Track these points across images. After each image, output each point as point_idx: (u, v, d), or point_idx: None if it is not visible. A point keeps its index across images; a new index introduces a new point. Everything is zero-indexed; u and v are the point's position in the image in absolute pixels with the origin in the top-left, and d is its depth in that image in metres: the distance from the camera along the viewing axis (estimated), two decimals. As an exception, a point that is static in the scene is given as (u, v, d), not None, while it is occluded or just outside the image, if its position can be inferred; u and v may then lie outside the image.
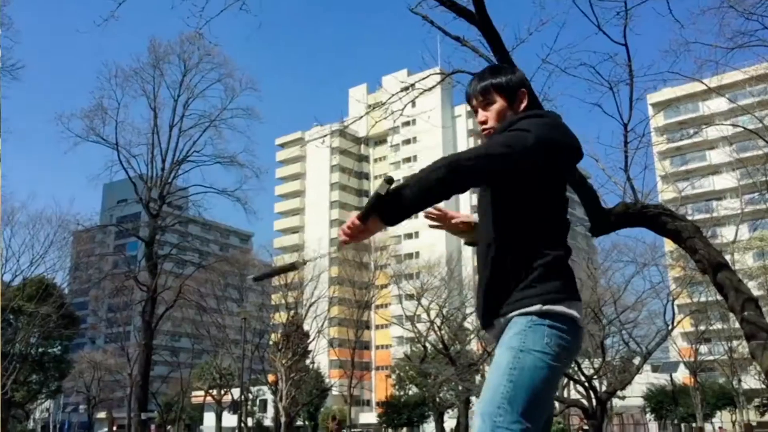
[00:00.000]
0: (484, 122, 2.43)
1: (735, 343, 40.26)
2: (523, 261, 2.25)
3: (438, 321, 42.98)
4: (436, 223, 2.71)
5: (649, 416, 53.57)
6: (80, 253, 40.17)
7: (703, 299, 36.44)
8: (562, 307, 2.22)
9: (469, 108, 2.60)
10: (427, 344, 45.25)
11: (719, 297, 7.18)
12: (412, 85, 7.96)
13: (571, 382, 35.23)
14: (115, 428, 65.26)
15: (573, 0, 6.89)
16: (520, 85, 2.43)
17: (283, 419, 39.88)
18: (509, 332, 2.21)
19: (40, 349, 44.87)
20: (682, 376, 48.71)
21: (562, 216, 2.39)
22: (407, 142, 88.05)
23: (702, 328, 40.94)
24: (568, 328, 2.21)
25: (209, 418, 61.76)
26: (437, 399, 48.65)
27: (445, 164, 2.07)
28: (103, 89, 35.41)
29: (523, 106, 2.41)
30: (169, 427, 60.86)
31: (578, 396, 37.11)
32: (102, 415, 72.04)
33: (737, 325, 6.76)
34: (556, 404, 31.63)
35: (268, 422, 58.85)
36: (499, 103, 2.41)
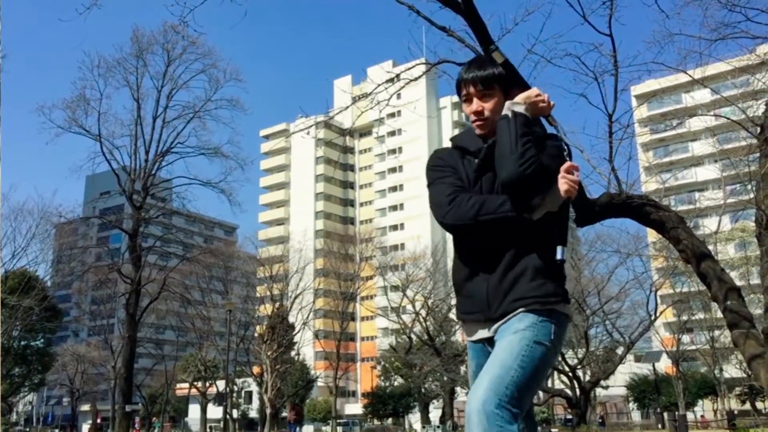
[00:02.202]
0: (480, 112, 2.39)
1: (717, 332, 40.72)
2: (541, 261, 2.29)
3: (423, 312, 43.13)
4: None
5: (632, 405, 54.16)
6: (63, 245, 39.77)
7: (685, 289, 36.78)
8: (563, 307, 2.33)
9: (455, 98, 2.56)
10: (413, 335, 45.43)
11: (702, 287, 7.26)
12: (398, 75, 7.93)
13: (556, 372, 35.54)
14: (99, 421, 64.96)
15: (558, -10, 6.87)
16: (518, 82, 2.44)
17: (268, 411, 39.90)
18: (518, 324, 2.25)
19: (22, 342, 44.54)
20: (664, 365, 49.27)
21: (567, 222, 2.43)
22: (392, 133, 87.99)
23: (684, 318, 41.37)
24: (564, 326, 2.34)
25: (194, 410, 61.72)
26: (422, 390, 48.88)
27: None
28: (85, 79, 34.78)
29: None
30: (153, 419, 60.70)
31: (562, 386, 37.47)
32: (86, 407, 71.75)
33: (719, 315, 6.83)
34: (540, 394, 31.87)
35: (253, 414, 58.89)
36: (498, 96, 2.38)
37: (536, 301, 2.26)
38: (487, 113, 2.37)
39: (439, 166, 2.44)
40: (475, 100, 2.39)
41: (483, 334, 2.39)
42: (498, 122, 2.29)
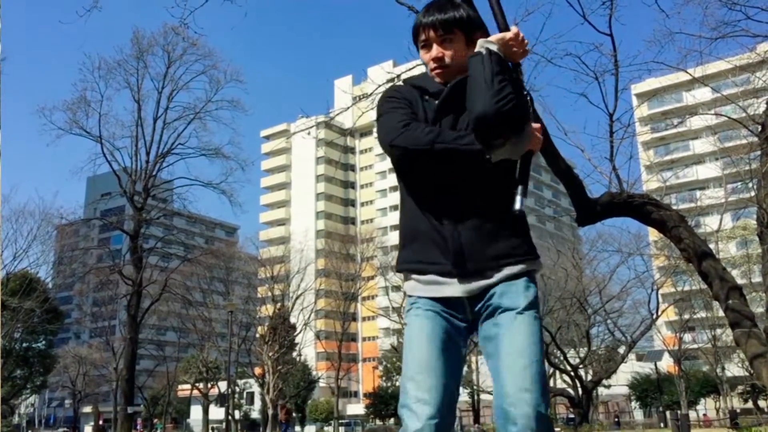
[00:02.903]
0: (440, 59, 2.18)
1: (719, 331, 40.66)
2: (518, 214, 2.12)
3: (425, 312, 43.05)
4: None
5: (634, 404, 54.10)
6: (64, 247, 39.79)
7: (687, 288, 36.75)
8: (539, 264, 2.19)
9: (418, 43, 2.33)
10: (414, 335, 45.34)
11: (703, 286, 7.24)
12: (398, 76, 7.93)
13: (558, 372, 35.52)
14: (101, 422, 64.97)
15: (558, -10, 6.87)
16: (480, 26, 2.24)
17: (270, 412, 39.90)
18: (518, 298, 2.06)
19: (24, 344, 44.55)
20: (666, 364, 49.19)
21: (528, 176, 2.26)
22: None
23: (686, 316, 41.33)
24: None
25: (196, 411, 61.68)
26: (424, 390, 48.78)
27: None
28: (86, 81, 34.90)
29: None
30: (155, 420, 60.71)
31: (564, 385, 37.45)
32: (88, 409, 71.75)
33: (721, 313, 6.81)
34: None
35: (255, 415, 58.88)
36: (459, 42, 2.18)
37: (524, 260, 2.10)
38: (447, 60, 2.17)
39: (394, 98, 2.20)
40: (434, 45, 2.18)
41: (447, 291, 2.10)
42: (470, 59, 2.07)
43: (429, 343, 2.07)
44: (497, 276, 2.09)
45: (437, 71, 2.20)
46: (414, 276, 2.17)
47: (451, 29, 2.17)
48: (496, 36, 2.12)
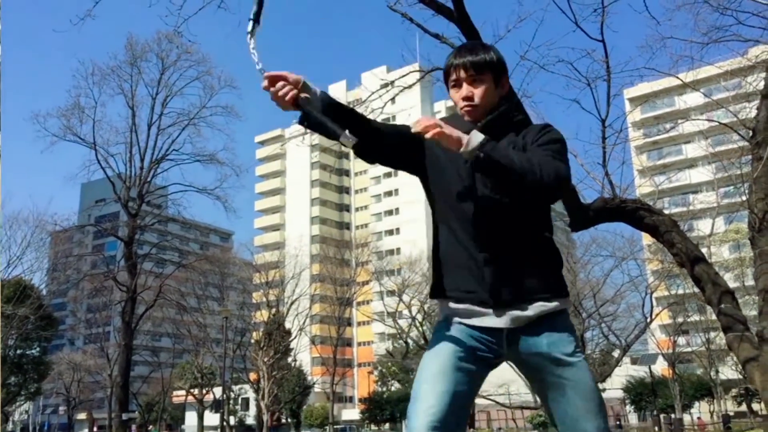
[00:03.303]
0: (470, 98, 2.27)
1: (712, 334, 40.78)
2: (553, 247, 2.28)
3: (419, 317, 43.16)
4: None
5: (628, 408, 54.16)
6: (58, 253, 39.73)
7: (680, 291, 36.87)
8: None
9: (450, 103, 2.50)
10: (409, 340, 45.43)
11: (696, 289, 7.29)
12: (392, 82, 7.98)
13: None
14: (95, 429, 64.74)
15: (550, -3, 6.92)
16: (506, 69, 2.35)
17: (265, 417, 39.82)
18: (569, 337, 2.23)
19: (18, 351, 44.36)
20: (660, 367, 49.28)
21: None
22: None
23: (680, 320, 41.44)
24: None
25: (191, 417, 61.47)
26: (419, 394, 48.76)
27: (542, 170, 2.03)
28: (79, 87, 35.13)
29: (506, 89, 2.36)
30: (150, 427, 60.48)
31: (559, 389, 37.47)
32: (82, 416, 71.45)
33: (714, 316, 6.85)
34: (538, 399, 31.94)
35: (250, 420, 58.71)
36: (488, 82, 2.29)
37: (557, 297, 2.23)
38: (476, 99, 2.27)
39: None
40: (464, 85, 2.28)
41: (483, 322, 2.19)
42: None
43: (449, 356, 2.17)
44: (532, 310, 2.18)
45: (467, 109, 2.29)
46: (450, 303, 2.26)
47: (482, 70, 2.27)
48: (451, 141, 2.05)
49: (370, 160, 2.28)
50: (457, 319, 2.24)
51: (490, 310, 2.18)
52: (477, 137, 2.04)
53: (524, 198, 2.14)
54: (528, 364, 2.23)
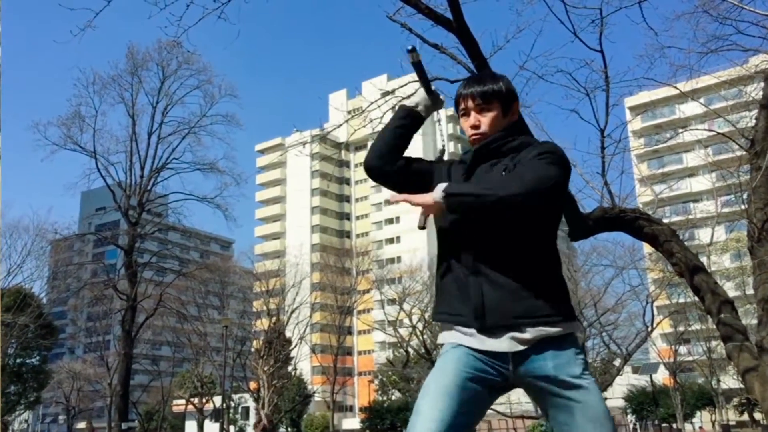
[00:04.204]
0: (477, 126, 2.38)
1: (713, 343, 40.71)
2: (560, 268, 2.29)
3: (420, 326, 43.04)
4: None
5: (630, 417, 53.98)
6: (58, 262, 39.72)
7: (681, 300, 36.82)
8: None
9: (450, 111, 2.56)
10: (410, 349, 45.30)
11: (697, 298, 7.28)
12: (392, 92, 7.99)
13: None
14: (95, 438, 64.45)
15: (549, 7, 6.95)
16: (515, 98, 2.43)
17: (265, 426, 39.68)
18: (575, 358, 2.21)
19: (18, 360, 44.26)
20: (662, 377, 49.16)
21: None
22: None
23: (681, 329, 41.37)
24: None
25: (191, 426, 61.25)
26: (420, 404, 48.61)
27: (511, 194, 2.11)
28: (80, 96, 35.24)
29: (515, 117, 2.43)
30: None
31: (560, 398, 37.35)
32: (82, 425, 71.19)
33: (715, 326, 6.84)
34: (539, 409, 31.80)
35: (250, 430, 58.54)
36: (496, 111, 2.38)
37: (554, 322, 2.19)
38: (483, 127, 2.37)
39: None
40: (473, 114, 2.39)
41: (489, 345, 2.20)
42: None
43: (453, 376, 2.18)
44: (530, 333, 2.17)
45: (474, 137, 2.40)
46: (451, 326, 2.30)
47: (490, 99, 2.37)
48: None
49: (385, 181, 2.48)
50: (461, 341, 2.25)
51: (482, 335, 2.20)
52: (439, 188, 2.15)
53: (507, 217, 2.17)
54: (535, 387, 2.23)
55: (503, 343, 2.19)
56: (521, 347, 2.18)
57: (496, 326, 2.18)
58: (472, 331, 2.21)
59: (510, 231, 2.21)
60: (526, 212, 2.18)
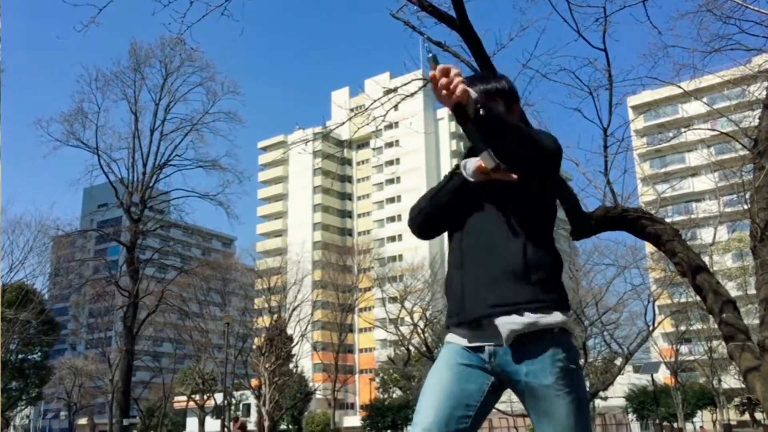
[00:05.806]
0: None
1: (715, 343, 40.68)
2: (549, 257, 2.23)
3: (421, 324, 43.03)
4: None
5: (631, 416, 53.97)
6: (60, 258, 39.75)
7: (683, 300, 36.78)
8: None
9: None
10: (411, 347, 45.30)
11: (699, 298, 7.27)
12: (394, 89, 7.98)
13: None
14: (96, 435, 64.62)
15: (553, 6, 6.94)
16: (517, 98, 2.44)
17: (266, 423, 39.73)
18: (561, 355, 2.15)
19: (19, 356, 44.39)
20: (663, 376, 49.13)
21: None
22: (390, 145, 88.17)
23: (682, 328, 41.34)
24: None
25: (192, 423, 61.35)
26: (421, 402, 48.64)
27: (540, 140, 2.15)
28: (83, 93, 35.11)
29: (517, 116, 2.45)
30: (151, 432, 60.37)
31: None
32: (83, 421, 71.36)
33: (716, 325, 6.84)
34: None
35: (251, 427, 58.59)
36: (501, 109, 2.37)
37: (533, 309, 2.13)
38: None
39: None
40: None
41: (472, 341, 2.22)
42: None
43: (446, 372, 2.22)
44: (501, 327, 2.13)
45: None
46: (450, 328, 2.34)
47: (493, 97, 2.35)
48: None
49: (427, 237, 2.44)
50: (453, 339, 2.29)
51: (473, 330, 2.22)
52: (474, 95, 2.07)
53: (529, 167, 2.14)
54: (513, 388, 2.23)
55: (483, 339, 2.19)
56: (496, 347, 2.17)
57: (475, 317, 2.17)
58: (461, 330, 2.25)
59: (500, 218, 2.22)
60: (549, 166, 2.21)
